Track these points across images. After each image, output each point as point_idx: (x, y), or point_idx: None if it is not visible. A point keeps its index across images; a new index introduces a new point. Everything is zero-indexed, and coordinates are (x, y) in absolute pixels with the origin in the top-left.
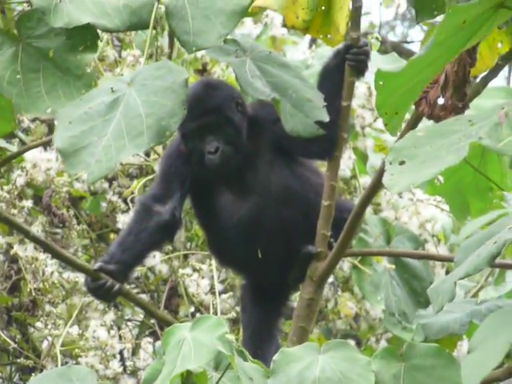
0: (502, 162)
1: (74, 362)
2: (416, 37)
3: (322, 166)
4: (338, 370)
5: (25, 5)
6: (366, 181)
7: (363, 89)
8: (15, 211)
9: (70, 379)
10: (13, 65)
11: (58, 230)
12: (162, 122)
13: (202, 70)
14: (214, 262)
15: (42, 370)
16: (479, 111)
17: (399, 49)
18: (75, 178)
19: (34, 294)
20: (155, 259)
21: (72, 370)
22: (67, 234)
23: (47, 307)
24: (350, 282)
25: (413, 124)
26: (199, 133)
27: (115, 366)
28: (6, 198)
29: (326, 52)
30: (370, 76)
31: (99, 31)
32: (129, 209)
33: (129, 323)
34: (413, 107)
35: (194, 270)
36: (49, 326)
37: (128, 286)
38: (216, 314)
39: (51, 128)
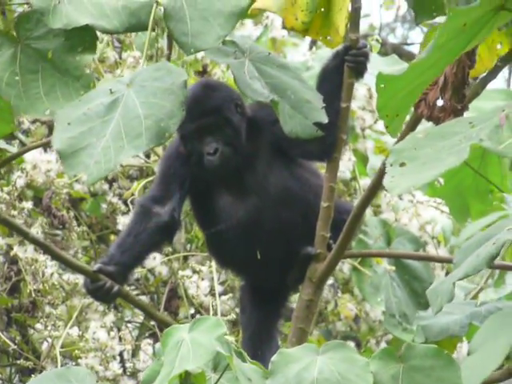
0: (502, 164)
1: (73, 363)
2: (416, 39)
3: (321, 168)
4: (336, 370)
5: (25, 6)
6: (366, 183)
7: (363, 91)
8: (15, 212)
9: (69, 380)
10: (11, 66)
11: (58, 232)
12: (161, 123)
13: (203, 72)
14: (213, 264)
15: (41, 372)
16: (479, 113)
17: (399, 51)
18: (75, 179)
19: (33, 295)
20: (155, 261)
21: (71, 370)
22: (67, 236)
23: (47, 308)
24: (350, 283)
25: (412, 126)
26: (198, 134)
27: (115, 367)
28: (5, 199)
29: (326, 54)
30: (369, 78)
31: (98, 32)
32: (129, 210)
33: (129, 325)
34: (412, 109)
35: (194, 271)
36: (49, 328)
37: (128, 288)
38: (216, 316)
39: (51, 129)
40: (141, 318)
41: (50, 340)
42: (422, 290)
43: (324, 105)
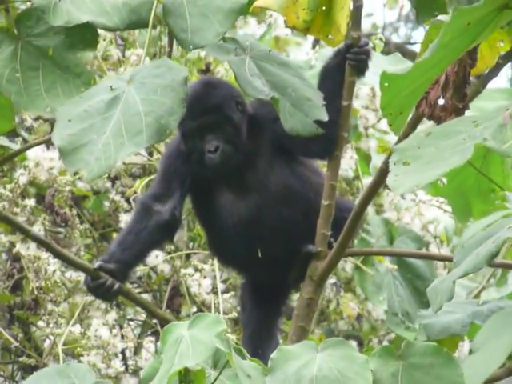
0: (504, 164)
1: (75, 360)
2: (419, 38)
3: (322, 166)
4: (335, 368)
5: (28, 4)
6: (368, 182)
7: (366, 90)
8: (18, 210)
9: (69, 377)
10: (12, 63)
11: (61, 229)
12: (161, 120)
13: (206, 70)
14: (216, 262)
15: None
16: (482, 113)
17: (403, 50)
18: (78, 177)
19: (36, 292)
20: (158, 259)
21: (71, 367)
22: (70, 233)
23: (49, 306)
24: (352, 282)
25: (413, 124)
26: (199, 132)
27: (117, 365)
28: (8, 196)
29: (329, 53)
30: (371, 76)
31: (101, 30)
32: (131, 208)
33: (131, 322)
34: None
35: (196, 269)
36: (51, 325)
37: (130, 286)
38: (218, 314)
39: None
40: (143, 315)
41: (52, 337)
42: (424, 289)
43: (324, 103)
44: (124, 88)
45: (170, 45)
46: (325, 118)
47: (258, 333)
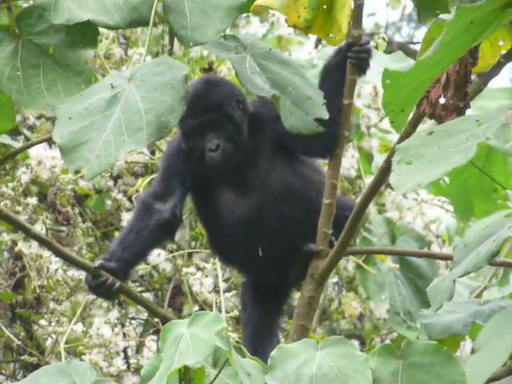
0: (507, 163)
1: (77, 359)
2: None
3: (324, 165)
4: (335, 366)
5: (31, 1)
6: (370, 181)
7: (369, 88)
8: (20, 208)
9: (69, 374)
10: (13, 61)
11: (63, 228)
12: (162, 117)
13: (208, 69)
14: (218, 261)
15: None
16: (484, 112)
17: (405, 49)
18: (80, 175)
19: (38, 291)
20: (160, 257)
21: (71, 365)
22: (72, 232)
23: (51, 304)
24: (354, 281)
25: (414, 124)
26: (200, 130)
27: (119, 363)
28: (10, 194)
29: (331, 52)
30: (373, 75)
31: (104, 29)
32: (133, 207)
33: (133, 321)
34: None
35: (198, 268)
36: (53, 324)
37: (132, 285)
38: (220, 313)
39: None
40: (145, 314)
41: (54, 336)
42: (426, 288)
43: (325, 101)
44: (124, 86)
45: (171, 43)
46: (325, 116)
47: (259, 331)
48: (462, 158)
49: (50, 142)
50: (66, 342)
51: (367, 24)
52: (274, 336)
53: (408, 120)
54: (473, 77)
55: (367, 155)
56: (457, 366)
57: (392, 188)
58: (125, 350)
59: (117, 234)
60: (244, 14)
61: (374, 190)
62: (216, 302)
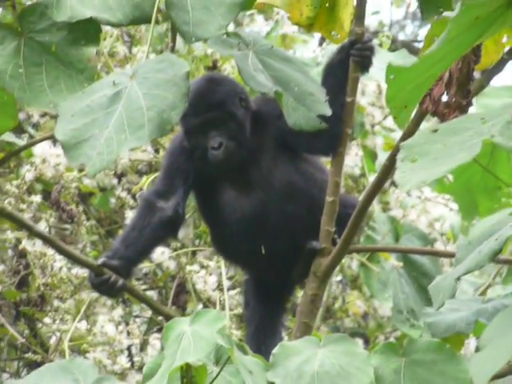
0: (511, 162)
1: (81, 357)
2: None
3: (327, 163)
4: (336, 363)
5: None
6: None
7: (373, 86)
8: (24, 206)
9: (72, 372)
10: (15, 59)
11: (67, 226)
12: (164, 114)
13: (213, 67)
14: (221, 259)
15: None
16: (489, 110)
17: (409, 48)
18: (84, 173)
19: (42, 289)
20: (164, 255)
21: (74, 363)
22: (76, 230)
23: (55, 302)
24: (358, 280)
25: (417, 121)
26: (202, 128)
27: (123, 361)
28: (14, 192)
29: (334, 49)
30: (377, 72)
31: (108, 27)
32: (137, 205)
33: (137, 319)
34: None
35: (202, 266)
36: (57, 321)
37: (136, 283)
38: (224, 310)
39: None
40: (149, 312)
41: (58, 334)
42: None
43: (327, 97)
44: (126, 83)
45: (173, 40)
46: (328, 112)
47: (262, 329)
48: (466, 155)
49: (54, 139)
50: (70, 340)
51: (371, 22)
52: (277, 334)
53: (411, 118)
54: (476, 74)
55: (371, 153)
56: (459, 364)
57: (396, 186)
58: (129, 348)
59: (121, 231)
60: (248, 12)
61: (377, 188)
62: (220, 300)
